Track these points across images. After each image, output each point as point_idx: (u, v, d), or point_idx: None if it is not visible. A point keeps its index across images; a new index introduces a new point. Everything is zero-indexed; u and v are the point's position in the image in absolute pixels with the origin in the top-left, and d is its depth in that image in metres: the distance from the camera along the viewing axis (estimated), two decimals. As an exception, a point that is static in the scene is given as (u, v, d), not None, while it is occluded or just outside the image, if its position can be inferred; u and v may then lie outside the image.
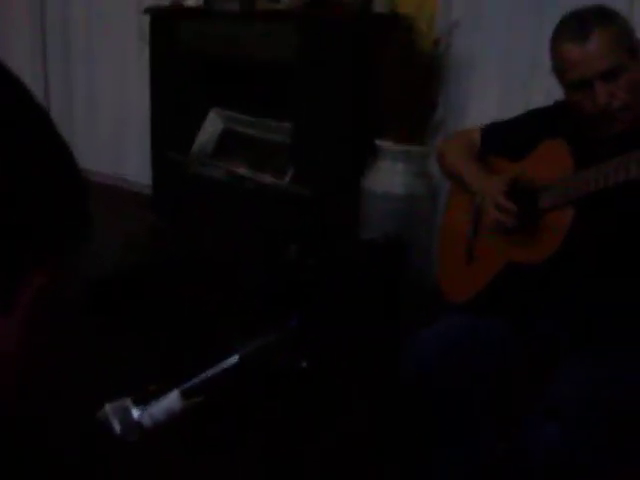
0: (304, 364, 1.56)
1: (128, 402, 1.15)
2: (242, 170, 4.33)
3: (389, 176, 3.75)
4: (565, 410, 1.79)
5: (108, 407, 1.14)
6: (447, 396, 2.03)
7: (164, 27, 4.76)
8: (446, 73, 3.89)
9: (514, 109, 2.40)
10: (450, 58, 3.88)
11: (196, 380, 1.19)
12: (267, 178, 4.17)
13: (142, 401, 1.15)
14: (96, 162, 5.42)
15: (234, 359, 1.19)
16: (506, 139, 2.22)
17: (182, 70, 4.70)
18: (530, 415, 1.87)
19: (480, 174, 2.16)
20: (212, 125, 4.69)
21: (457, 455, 2.09)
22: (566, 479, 1.80)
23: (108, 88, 5.67)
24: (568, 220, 1.93)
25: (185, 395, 1.17)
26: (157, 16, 4.77)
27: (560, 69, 1.98)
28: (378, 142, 3.82)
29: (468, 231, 2.22)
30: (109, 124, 5.72)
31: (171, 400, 1.16)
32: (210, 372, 1.19)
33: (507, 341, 2.07)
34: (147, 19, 4.81)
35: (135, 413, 1.14)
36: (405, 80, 3.84)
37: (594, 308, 1.98)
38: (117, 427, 1.13)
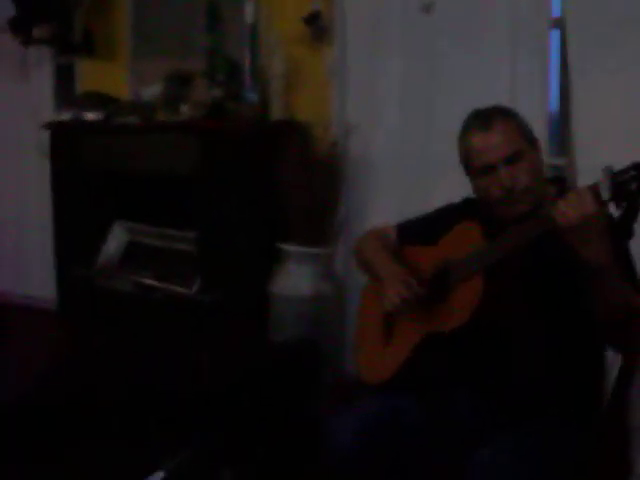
0: (227, 473, 1.57)
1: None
2: (149, 281, 4.33)
3: (295, 279, 3.81)
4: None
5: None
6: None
7: (65, 142, 4.75)
8: (345, 175, 4.00)
9: (414, 208, 2.51)
10: (348, 160, 3.99)
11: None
12: (175, 288, 4.17)
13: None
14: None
15: (159, 476, 1.20)
16: (421, 232, 2.36)
17: (84, 184, 4.68)
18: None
19: (390, 263, 2.28)
20: (117, 238, 4.69)
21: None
22: None
23: (8, 204, 5.61)
24: (479, 287, 2.03)
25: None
26: (57, 131, 4.77)
27: (467, 159, 2.16)
28: (283, 246, 3.88)
29: (383, 314, 2.28)
30: (10, 241, 5.63)
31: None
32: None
33: (424, 419, 2.11)
34: (47, 134, 4.80)
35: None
36: (306, 184, 3.93)
37: (510, 378, 2.07)
38: None
